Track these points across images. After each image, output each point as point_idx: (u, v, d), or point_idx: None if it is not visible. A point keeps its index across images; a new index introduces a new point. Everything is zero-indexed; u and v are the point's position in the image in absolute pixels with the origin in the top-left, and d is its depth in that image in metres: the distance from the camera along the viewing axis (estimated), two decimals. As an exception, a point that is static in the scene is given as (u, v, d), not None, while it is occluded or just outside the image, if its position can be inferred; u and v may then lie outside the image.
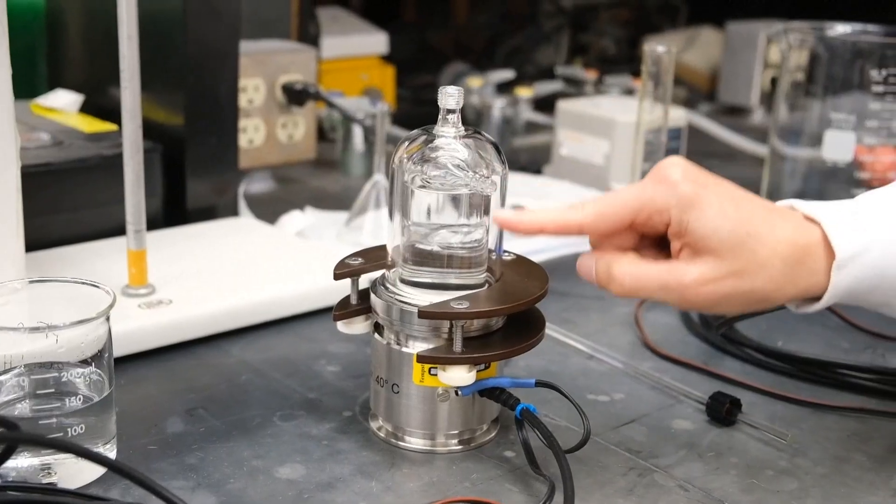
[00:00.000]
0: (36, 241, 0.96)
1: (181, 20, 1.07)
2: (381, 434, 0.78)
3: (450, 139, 0.73)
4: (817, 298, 0.70)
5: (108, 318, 0.70)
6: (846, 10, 1.63)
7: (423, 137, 0.74)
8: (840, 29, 1.28)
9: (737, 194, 0.70)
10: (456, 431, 0.76)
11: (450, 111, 0.73)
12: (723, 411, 0.81)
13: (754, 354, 0.94)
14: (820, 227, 0.69)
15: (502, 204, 0.76)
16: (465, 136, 0.74)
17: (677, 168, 0.70)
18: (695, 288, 0.68)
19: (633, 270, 0.70)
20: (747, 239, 0.67)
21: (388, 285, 0.76)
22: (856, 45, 1.21)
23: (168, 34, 1.09)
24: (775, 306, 0.71)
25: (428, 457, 0.76)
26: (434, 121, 0.74)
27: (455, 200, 0.74)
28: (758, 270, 0.68)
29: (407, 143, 0.74)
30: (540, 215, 0.72)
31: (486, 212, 0.74)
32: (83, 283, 0.72)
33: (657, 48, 1.09)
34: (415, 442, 0.76)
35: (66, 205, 1.04)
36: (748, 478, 0.74)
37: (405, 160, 0.74)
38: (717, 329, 0.97)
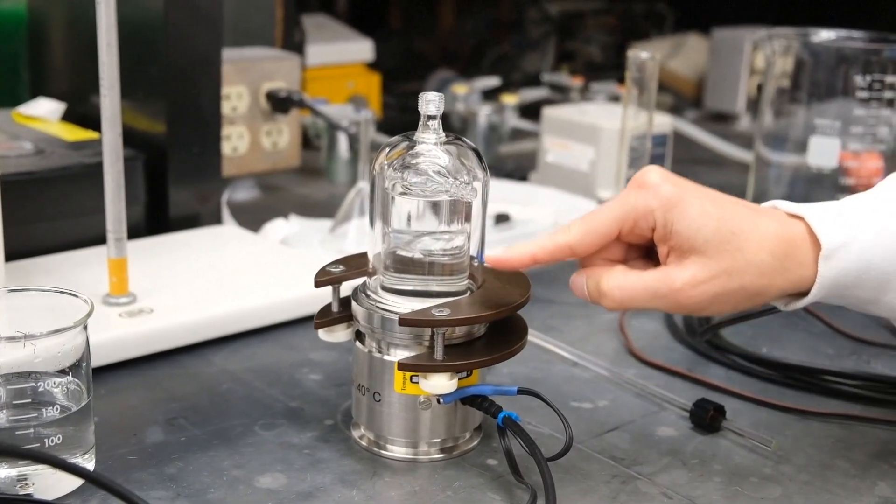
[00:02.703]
0: (17, 250, 0.95)
1: (163, 28, 1.07)
2: (363, 443, 0.77)
3: (430, 145, 0.73)
4: (805, 294, 0.70)
5: (85, 327, 0.69)
6: (831, 16, 1.63)
7: (404, 144, 0.73)
8: (824, 35, 1.28)
9: (717, 195, 0.71)
10: (438, 440, 0.76)
11: (430, 117, 0.73)
12: (707, 418, 0.81)
13: (739, 361, 0.94)
14: (804, 221, 0.70)
15: (484, 210, 0.75)
16: (446, 143, 0.73)
17: (655, 173, 0.71)
18: (686, 291, 0.68)
19: (623, 282, 0.70)
20: (732, 237, 0.68)
21: (370, 293, 0.76)
22: (840, 52, 1.21)
23: (150, 42, 1.09)
24: (765, 302, 0.71)
25: (410, 465, 0.75)
26: (421, 128, 0.74)
27: (436, 207, 0.73)
28: (746, 267, 0.68)
29: (388, 150, 0.74)
30: (529, 246, 0.72)
31: (468, 218, 0.74)
32: (61, 292, 0.72)
33: (641, 54, 1.08)
34: (397, 450, 0.76)
35: (47, 213, 1.03)
36: (732, 485, 0.74)
37: (386, 167, 0.73)
38: (702, 336, 0.96)
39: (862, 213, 0.70)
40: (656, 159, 1.35)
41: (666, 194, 0.69)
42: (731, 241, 0.68)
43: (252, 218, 1.27)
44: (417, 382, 0.72)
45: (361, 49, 1.70)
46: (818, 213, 0.70)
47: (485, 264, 0.78)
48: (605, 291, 0.71)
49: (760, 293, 0.69)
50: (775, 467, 0.77)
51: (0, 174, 0.83)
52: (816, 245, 0.69)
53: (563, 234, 0.72)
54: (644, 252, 0.74)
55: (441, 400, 0.74)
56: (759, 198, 1.31)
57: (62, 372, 0.69)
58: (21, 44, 1.33)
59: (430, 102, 0.73)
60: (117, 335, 0.88)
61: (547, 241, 0.72)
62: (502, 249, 0.73)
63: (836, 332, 1.02)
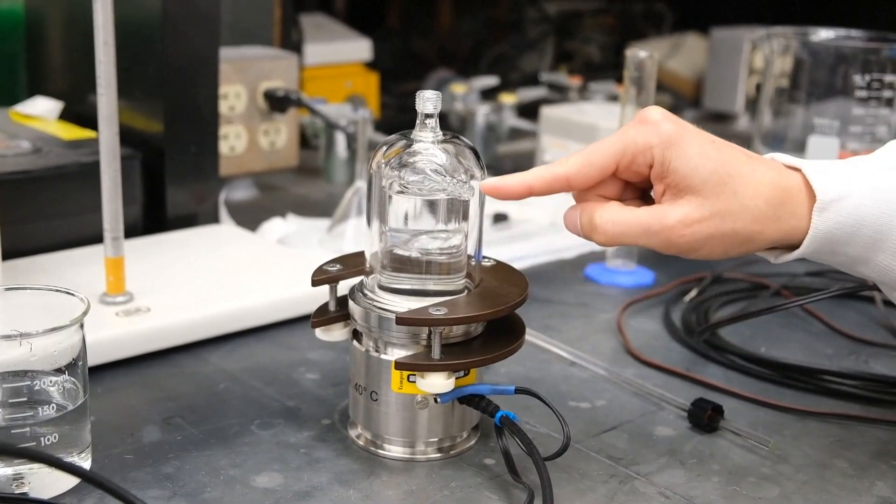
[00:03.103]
0: (15, 249, 0.95)
1: (161, 27, 1.07)
2: (360, 442, 0.77)
3: (428, 144, 0.72)
4: (796, 246, 0.70)
5: (81, 326, 0.69)
6: (829, 15, 1.63)
7: (402, 142, 0.73)
8: (823, 34, 1.28)
9: (717, 139, 0.71)
10: (435, 439, 0.76)
11: (427, 115, 0.73)
12: (705, 418, 0.81)
13: (737, 361, 0.93)
14: (801, 173, 0.69)
15: (481, 209, 0.75)
16: (443, 141, 0.73)
17: (656, 111, 0.71)
18: (679, 229, 0.68)
19: (616, 217, 0.70)
20: (729, 180, 0.68)
21: (367, 292, 0.75)
22: (839, 51, 1.21)
23: (148, 41, 1.09)
24: (756, 250, 0.71)
25: (407, 465, 0.75)
26: (419, 128, 0.74)
27: (433, 206, 0.73)
28: (740, 211, 0.68)
29: (385, 148, 0.74)
30: (526, 175, 0.72)
31: (465, 217, 0.74)
32: (57, 291, 0.71)
33: (639, 53, 1.08)
34: (394, 450, 0.76)
35: (44, 212, 1.03)
36: (730, 485, 0.74)
37: (383, 165, 0.73)
38: (700, 335, 0.96)
39: (860, 172, 0.69)
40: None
41: (666, 131, 0.69)
42: (728, 184, 0.68)
43: (249, 217, 1.27)
44: (414, 382, 0.72)
45: (359, 48, 1.70)
46: (816, 166, 0.70)
47: (482, 262, 0.78)
48: (598, 225, 0.70)
49: (752, 239, 0.69)
50: (773, 467, 0.77)
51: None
52: (812, 197, 0.68)
53: (560, 165, 0.71)
54: (639, 193, 0.73)
55: (438, 399, 0.74)
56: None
57: (58, 371, 0.68)
58: (18, 43, 1.33)
59: (428, 101, 0.72)
60: (114, 334, 0.88)
61: (544, 171, 0.71)
62: (498, 178, 0.72)
63: (834, 332, 1.02)
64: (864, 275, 0.71)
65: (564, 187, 0.72)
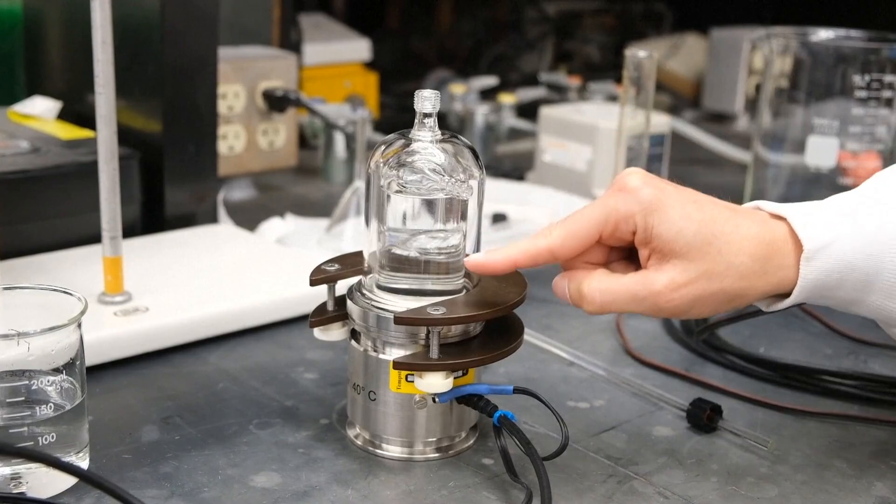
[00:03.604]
0: (13, 248, 0.95)
1: (159, 26, 1.06)
2: (359, 442, 0.77)
3: (426, 143, 0.72)
4: (787, 295, 0.69)
5: (79, 325, 0.69)
6: (829, 15, 1.63)
7: (400, 142, 0.73)
8: (823, 34, 1.28)
9: (699, 197, 0.70)
10: (434, 439, 0.76)
11: (426, 115, 0.72)
12: (703, 418, 0.81)
13: (736, 361, 0.93)
14: (786, 222, 0.69)
15: (480, 209, 0.75)
16: (442, 140, 0.73)
17: (635, 176, 0.70)
18: (666, 294, 0.68)
19: (603, 286, 0.70)
20: (713, 239, 0.68)
21: (365, 291, 0.75)
22: (839, 51, 1.21)
23: (146, 40, 1.08)
24: (748, 304, 0.71)
25: (405, 465, 0.75)
26: (418, 128, 0.74)
27: (431, 205, 0.73)
28: (726, 270, 0.68)
29: (383, 148, 0.74)
30: (510, 250, 0.72)
31: (464, 217, 0.74)
32: (55, 290, 0.71)
33: (638, 53, 1.08)
34: (392, 450, 0.76)
35: (43, 212, 1.03)
36: (728, 485, 0.74)
37: (381, 165, 0.73)
38: (699, 335, 0.96)
39: (845, 214, 0.69)
40: (654, 159, 1.35)
41: (647, 198, 0.69)
42: (712, 244, 0.67)
43: (248, 217, 1.27)
44: (413, 381, 0.72)
45: (358, 48, 1.70)
46: (801, 213, 0.69)
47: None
48: (586, 295, 0.70)
49: (741, 296, 0.69)
50: (772, 467, 0.76)
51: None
52: (798, 247, 0.68)
53: (543, 237, 0.71)
54: (626, 254, 0.73)
55: (437, 399, 0.74)
56: (756, 199, 1.30)
57: (56, 370, 0.68)
58: (17, 42, 1.33)
59: (426, 100, 0.72)
60: (112, 334, 0.88)
61: (528, 245, 0.71)
62: (483, 253, 0.72)
63: (833, 332, 1.02)
64: (858, 314, 0.71)
65: (549, 259, 0.72)
